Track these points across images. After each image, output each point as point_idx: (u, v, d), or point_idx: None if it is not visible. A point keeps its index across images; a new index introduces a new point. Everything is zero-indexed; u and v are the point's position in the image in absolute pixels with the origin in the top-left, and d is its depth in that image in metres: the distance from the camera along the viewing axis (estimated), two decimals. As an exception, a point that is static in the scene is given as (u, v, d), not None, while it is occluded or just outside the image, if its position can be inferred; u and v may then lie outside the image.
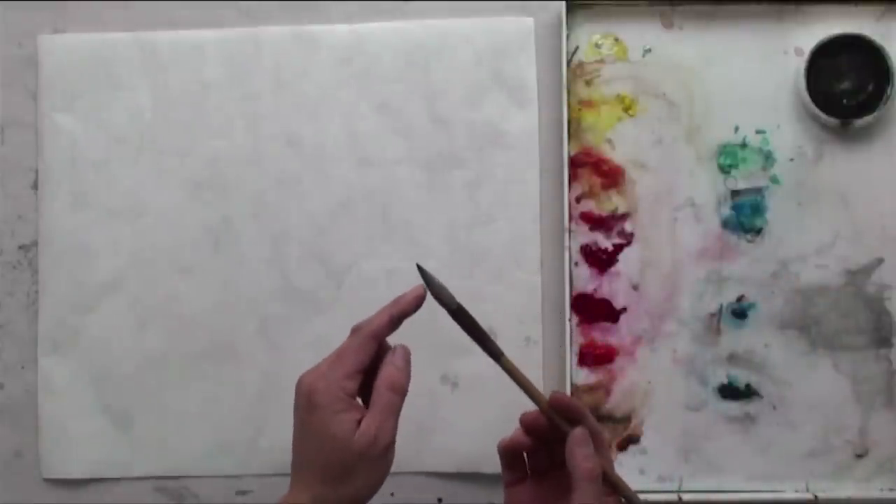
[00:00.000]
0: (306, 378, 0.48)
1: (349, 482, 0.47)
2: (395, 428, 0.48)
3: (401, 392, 0.49)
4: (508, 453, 0.52)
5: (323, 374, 0.48)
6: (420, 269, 0.50)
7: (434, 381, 0.65)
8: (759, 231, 0.65)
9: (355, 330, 0.50)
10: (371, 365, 0.49)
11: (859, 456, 0.64)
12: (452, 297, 0.50)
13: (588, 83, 0.66)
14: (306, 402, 0.48)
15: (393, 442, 0.48)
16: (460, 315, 0.50)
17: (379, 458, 0.47)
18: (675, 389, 0.64)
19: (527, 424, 0.51)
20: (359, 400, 0.49)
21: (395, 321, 0.50)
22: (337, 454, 0.46)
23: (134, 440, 0.66)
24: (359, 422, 0.47)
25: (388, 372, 0.49)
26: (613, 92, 0.66)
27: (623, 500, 0.51)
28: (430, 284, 0.50)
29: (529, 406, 0.65)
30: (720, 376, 0.64)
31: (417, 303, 0.50)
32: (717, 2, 0.65)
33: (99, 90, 0.67)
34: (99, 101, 0.67)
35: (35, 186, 0.67)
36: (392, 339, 0.51)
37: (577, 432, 0.49)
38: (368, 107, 0.66)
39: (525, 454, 0.53)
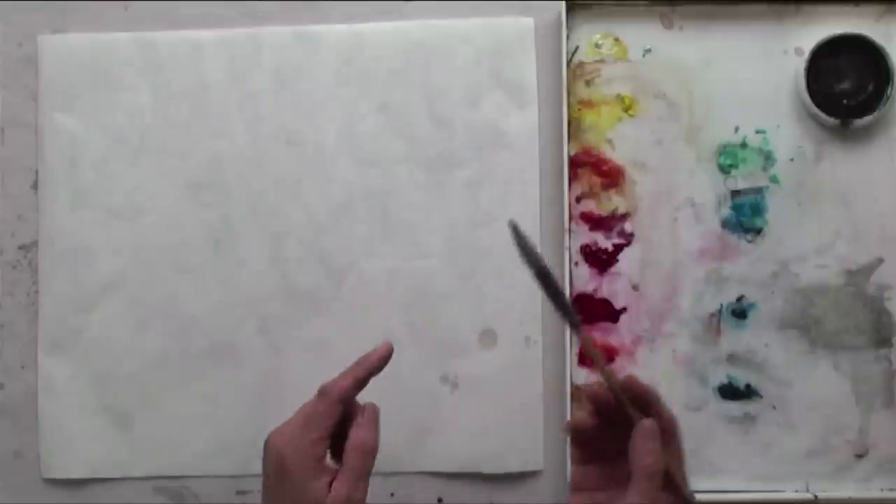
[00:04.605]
0: (276, 442, 0.48)
1: None
2: (366, 488, 0.48)
3: (371, 453, 0.49)
4: (574, 432, 0.50)
5: (293, 439, 0.48)
6: (513, 227, 0.49)
7: (434, 381, 0.65)
8: (759, 231, 0.65)
9: (322, 392, 0.49)
10: (339, 426, 0.49)
11: (859, 456, 0.64)
12: (540, 259, 0.48)
13: (588, 83, 0.66)
14: (277, 468, 0.48)
15: (364, 501, 0.48)
16: (543, 278, 0.48)
17: None
18: (675, 389, 0.64)
19: (591, 399, 0.49)
20: (328, 457, 0.49)
21: (361, 382, 0.50)
22: None
23: (134, 440, 0.66)
24: (330, 484, 0.47)
25: (357, 435, 0.49)
26: (613, 92, 0.65)
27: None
28: (521, 244, 0.49)
29: (526, 405, 0.64)
30: (720, 376, 0.64)
31: (382, 363, 0.51)
32: (717, 2, 0.65)
33: (99, 90, 0.67)
34: (99, 101, 0.67)
35: (35, 186, 0.67)
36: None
37: (646, 424, 0.46)
38: (368, 107, 0.66)
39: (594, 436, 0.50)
